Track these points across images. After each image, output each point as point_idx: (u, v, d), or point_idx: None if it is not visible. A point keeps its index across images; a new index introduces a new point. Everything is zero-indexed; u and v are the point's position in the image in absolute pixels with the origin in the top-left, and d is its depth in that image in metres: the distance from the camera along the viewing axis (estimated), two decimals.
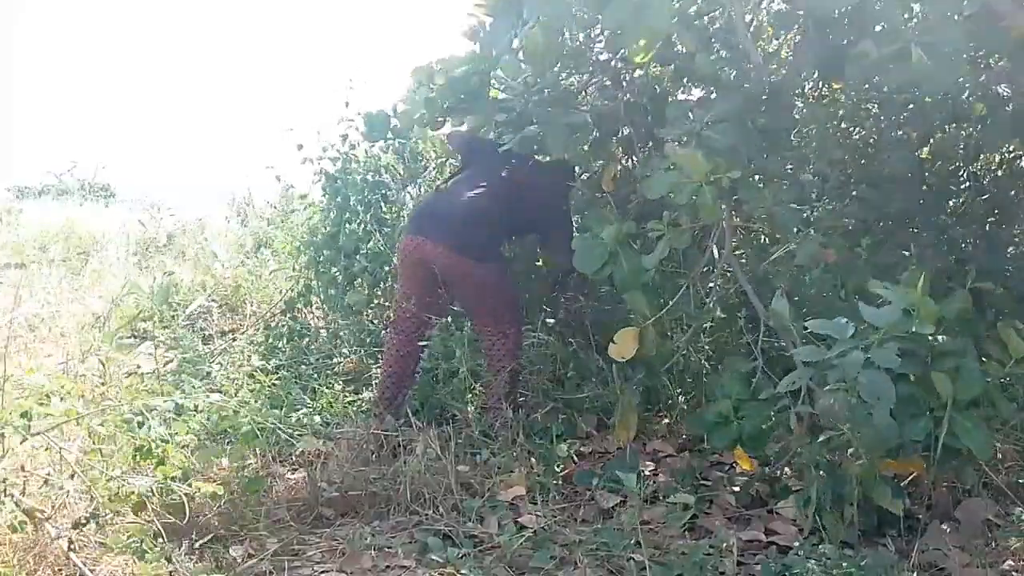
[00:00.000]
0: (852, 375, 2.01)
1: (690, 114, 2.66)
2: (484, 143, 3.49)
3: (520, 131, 3.24)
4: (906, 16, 2.55)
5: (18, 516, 2.03)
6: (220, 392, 3.14)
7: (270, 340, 4.20)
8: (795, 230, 2.68)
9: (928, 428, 2.13)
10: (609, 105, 3.39)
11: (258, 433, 2.68)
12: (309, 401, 3.34)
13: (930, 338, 2.11)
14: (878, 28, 2.43)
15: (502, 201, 3.25)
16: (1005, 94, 2.80)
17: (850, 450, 2.24)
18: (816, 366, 2.14)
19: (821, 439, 2.27)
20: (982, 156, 3.38)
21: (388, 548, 2.35)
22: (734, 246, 2.85)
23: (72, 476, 2.19)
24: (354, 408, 3.32)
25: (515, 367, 3.22)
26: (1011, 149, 3.30)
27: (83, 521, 2.08)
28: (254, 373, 3.50)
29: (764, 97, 2.74)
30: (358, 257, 4.22)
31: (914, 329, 2.04)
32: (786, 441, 2.51)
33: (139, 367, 3.48)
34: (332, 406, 3.33)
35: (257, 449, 2.90)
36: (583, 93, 3.60)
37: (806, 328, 2.25)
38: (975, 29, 2.33)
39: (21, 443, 2.15)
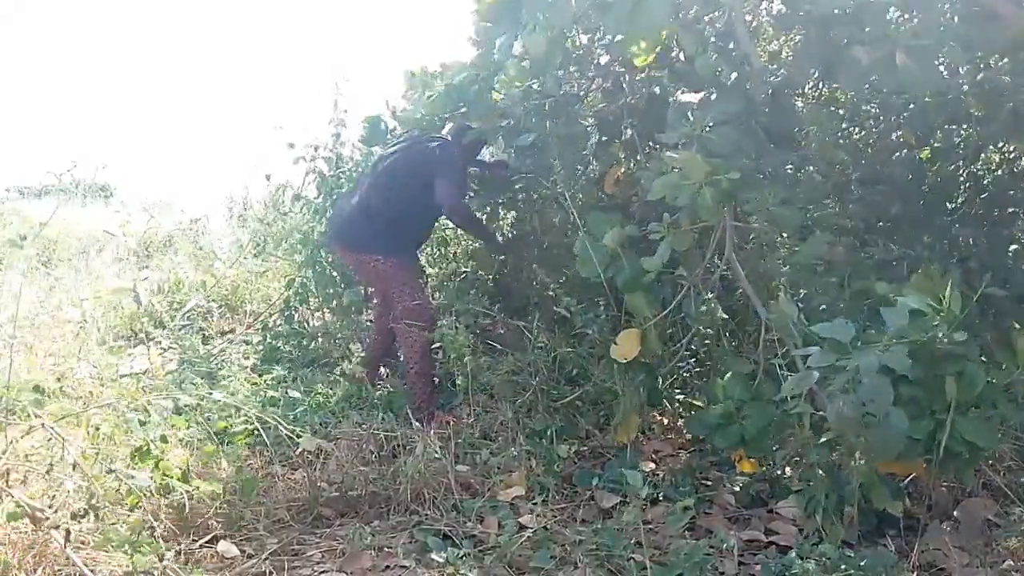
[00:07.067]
0: (858, 379, 2.01)
1: (690, 115, 2.66)
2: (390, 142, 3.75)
3: (519, 137, 3.26)
4: (899, 18, 2.56)
5: (15, 511, 2.02)
6: (219, 392, 3.13)
7: (268, 340, 4.20)
8: (796, 229, 2.68)
9: (929, 429, 2.12)
10: (611, 109, 3.39)
11: (256, 431, 2.67)
12: (308, 401, 3.33)
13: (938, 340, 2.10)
14: (869, 31, 2.43)
15: (380, 189, 3.42)
16: (1004, 91, 2.79)
17: (855, 452, 2.24)
18: (826, 370, 2.13)
19: (823, 440, 2.27)
20: (982, 156, 3.38)
21: (388, 548, 2.35)
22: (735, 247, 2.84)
23: (73, 467, 2.19)
24: (354, 405, 3.32)
25: (425, 367, 3.36)
26: (1011, 149, 3.30)
27: (81, 513, 2.08)
28: (249, 376, 3.49)
29: (764, 97, 2.74)
30: None
31: (933, 333, 2.03)
32: (788, 442, 2.51)
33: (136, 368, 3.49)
34: (329, 404, 3.33)
35: (257, 449, 2.90)
36: (585, 98, 3.61)
37: (808, 330, 2.24)
38: (968, 29, 2.34)
39: (22, 437, 2.15)
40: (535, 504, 2.54)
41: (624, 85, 3.44)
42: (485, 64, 3.34)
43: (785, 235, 2.82)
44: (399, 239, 3.41)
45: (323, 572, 2.26)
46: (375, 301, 3.91)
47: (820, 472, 2.30)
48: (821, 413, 2.26)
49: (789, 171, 3.01)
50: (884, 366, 1.97)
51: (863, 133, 3.46)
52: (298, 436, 2.62)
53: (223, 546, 2.33)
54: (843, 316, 2.20)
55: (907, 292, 2.13)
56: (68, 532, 2.06)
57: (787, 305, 2.42)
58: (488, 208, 3.98)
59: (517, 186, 3.79)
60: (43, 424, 2.13)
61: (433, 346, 3.39)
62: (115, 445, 2.44)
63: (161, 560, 2.05)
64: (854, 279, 2.50)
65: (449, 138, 3.56)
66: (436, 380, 3.48)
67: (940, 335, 2.04)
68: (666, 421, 3.29)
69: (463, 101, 3.42)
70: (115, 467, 2.20)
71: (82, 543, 2.17)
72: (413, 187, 3.35)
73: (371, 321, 4.01)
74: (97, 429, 2.42)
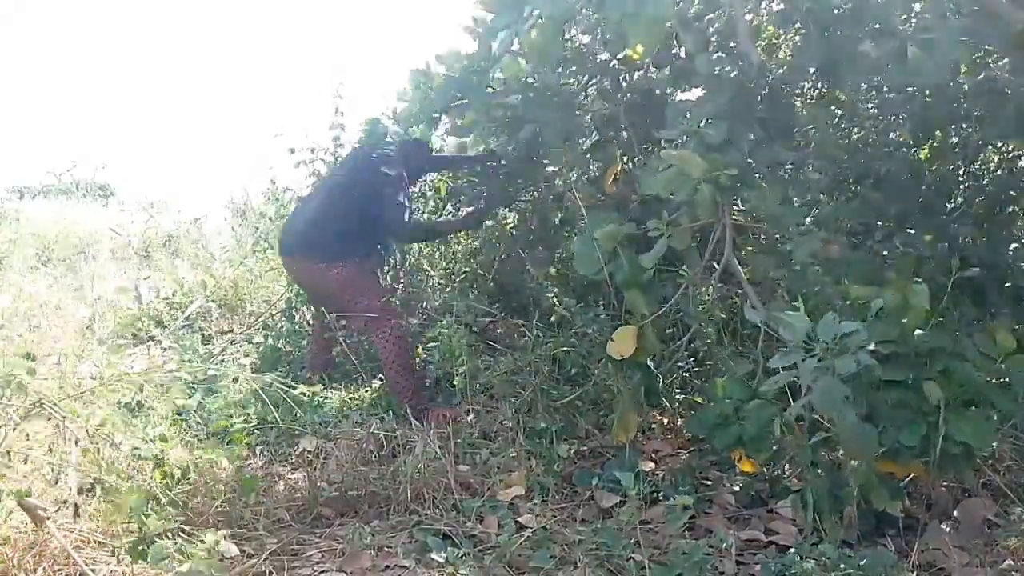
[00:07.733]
0: (808, 382, 2.02)
1: (687, 113, 2.66)
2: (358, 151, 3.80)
3: (517, 130, 3.24)
4: (904, 16, 2.56)
5: (12, 509, 2.02)
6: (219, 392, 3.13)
7: (269, 340, 4.20)
8: (795, 228, 2.68)
9: (923, 433, 2.12)
10: (609, 107, 3.39)
11: (256, 430, 2.68)
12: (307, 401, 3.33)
13: (918, 338, 2.11)
14: (876, 27, 2.44)
15: (340, 199, 3.45)
16: (1006, 91, 2.79)
17: (842, 451, 2.24)
18: (785, 372, 2.14)
19: (815, 439, 2.27)
20: (982, 156, 3.38)
21: (388, 548, 2.35)
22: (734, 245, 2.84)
23: (76, 442, 2.19)
24: (354, 405, 3.32)
25: (404, 361, 3.35)
26: (1011, 148, 3.30)
27: (88, 487, 2.09)
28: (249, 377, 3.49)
29: (763, 93, 2.74)
30: None
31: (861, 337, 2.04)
32: (785, 441, 2.51)
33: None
34: (329, 403, 3.33)
35: (257, 448, 2.90)
36: (584, 95, 3.60)
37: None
38: (974, 25, 2.34)
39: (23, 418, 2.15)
40: (535, 504, 2.54)
41: (623, 82, 3.43)
42: (484, 55, 3.32)
43: (780, 233, 2.82)
44: (355, 242, 3.42)
45: (323, 572, 2.26)
46: (313, 313, 3.83)
47: (819, 472, 2.30)
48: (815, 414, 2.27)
49: (789, 169, 3.01)
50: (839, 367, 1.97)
51: (862, 132, 3.46)
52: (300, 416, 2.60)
53: (223, 546, 2.33)
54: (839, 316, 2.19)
55: (885, 291, 2.13)
56: (76, 507, 2.08)
57: (781, 305, 2.42)
58: (483, 203, 3.95)
59: (504, 171, 3.77)
60: (41, 403, 2.13)
61: (410, 340, 3.42)
62: (115, 445, 2.44)
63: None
64: (850, 278, 2.50)
65: (392, 152, 3.57)
66: (418, 372, 3.48)
67: (913, 334, 2.05)
68: (666, 421, 3.29)
69: (461, 92, 3.41)
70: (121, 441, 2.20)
71: (83, 542, 2.17)
72: (360, 197, 3.39)
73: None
74: (100, 426, 2.42)
